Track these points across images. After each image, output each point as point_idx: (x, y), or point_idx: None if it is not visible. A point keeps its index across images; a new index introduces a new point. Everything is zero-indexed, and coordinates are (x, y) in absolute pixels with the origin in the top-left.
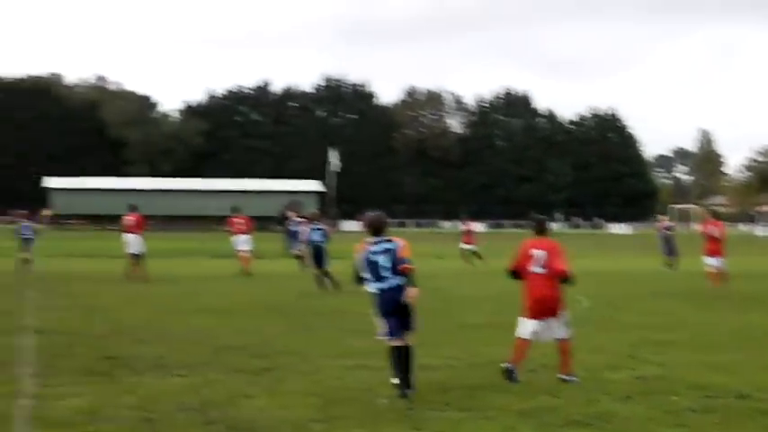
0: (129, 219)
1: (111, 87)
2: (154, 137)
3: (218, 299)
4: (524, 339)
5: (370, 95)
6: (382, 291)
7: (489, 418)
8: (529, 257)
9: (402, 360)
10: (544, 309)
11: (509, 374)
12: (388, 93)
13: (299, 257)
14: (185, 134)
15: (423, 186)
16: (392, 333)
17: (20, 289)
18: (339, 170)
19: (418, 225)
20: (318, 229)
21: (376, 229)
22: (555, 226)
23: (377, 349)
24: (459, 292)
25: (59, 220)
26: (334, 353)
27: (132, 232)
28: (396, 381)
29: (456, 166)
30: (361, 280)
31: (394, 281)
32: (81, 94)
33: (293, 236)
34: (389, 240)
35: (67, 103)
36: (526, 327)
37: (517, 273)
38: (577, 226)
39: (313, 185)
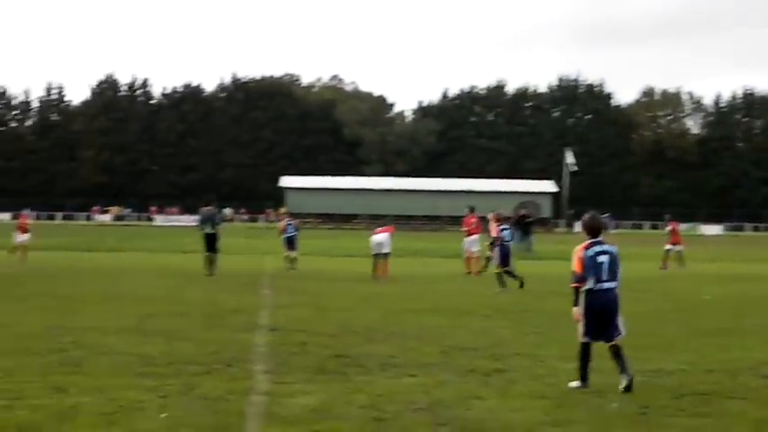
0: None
1: (347, 88)
2: (388, 137)
3: (449, 299)
4: None
5: (606, 96)
6: (599, 292)
7: (725, 425)
8: None
9: (615, 358)
10: None
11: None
12: (624, 93)
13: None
14: (419, 134)
15: (659, 188)
16: (592, 333)
17: (256, 287)
18: (576, 169)
19: (653, 227)
20: (506, 229)
21: (594, 231)
22: None
23: (605, 353)
24: (693, 295)
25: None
26: (566, 355)
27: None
28: (577, 383)
29: (694, 167)
30: (581, 279)
31: (611, 284)
32: (317, 94)
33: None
34: (610, 245)
35: (304, 103)
36: None
37: None
38: None
39: (547, 186)
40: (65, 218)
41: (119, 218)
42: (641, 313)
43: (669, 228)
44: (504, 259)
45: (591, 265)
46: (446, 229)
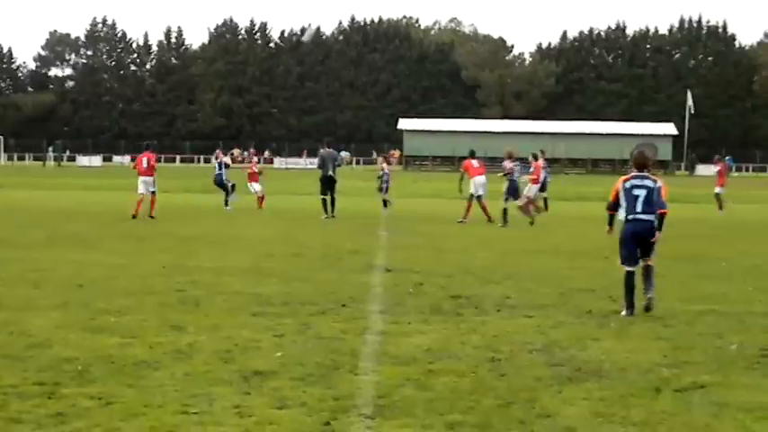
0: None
1: (466, 30)
2: (507, 79)
3: (565, 241)
4: None
5: (728, 37)
6: (633, 221)
7: None
8: None
9: (644, 277)
10: None
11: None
12: (747, 35)
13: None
14: (538, 77)
15: None
16: (629, 260)
17: (373, 229)
18: (693, 112)
19: None
20: (517, 166)
21: (640, 166)
22: None
23: (729, 294)
24: None
25: (413, 161)
26: (685, 297)
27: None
28: (625, 312)
29: None
30: (613, 207)
31: (645, 216)
32: (435, 36)
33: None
34: (652, 180)
35: (422, 46)
36: None
37: None
38: None
39: (666, 128)
40: (183, 161)
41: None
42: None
43: (717, 168)
44: (515, 193)
45: (626, 197)
46: (564, 172)
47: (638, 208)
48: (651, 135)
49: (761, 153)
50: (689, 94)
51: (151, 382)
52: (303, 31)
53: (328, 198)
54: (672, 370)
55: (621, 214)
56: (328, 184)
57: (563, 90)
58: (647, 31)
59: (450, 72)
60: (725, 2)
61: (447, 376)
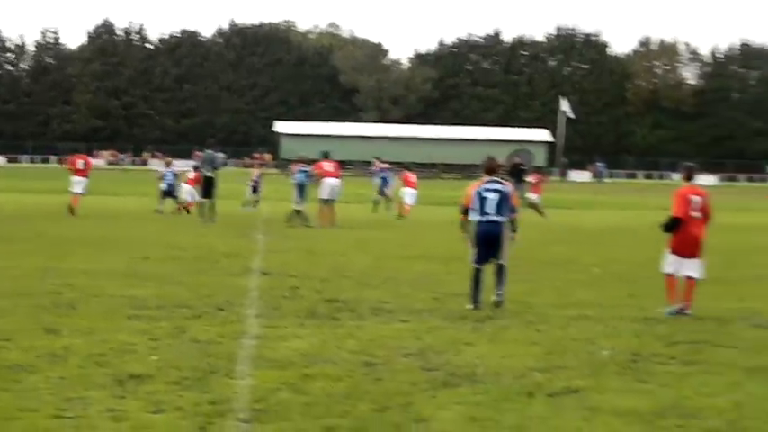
0: None
1: (344, 34)
2: (384, 84)
3: (440, 246)
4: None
5: (603, 45)
6: (484, 223)
7: (715, 373)
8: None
9: (496, 276)
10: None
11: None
12: (621, 43)
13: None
14: (415, 82)
15: (653, 138)
16: (481, 260)
17: (249, 232)
18: (572, 117)
19: (647, 177)
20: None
21: (489, 171)
22: None
23: (601, 300)
24: None
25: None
26: (558, 302)
27: None
28: (470, 306)
29: (689, 118)
30: (465, 211)
31: (496, 218)
32: (314, 40)
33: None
34: (501, 183)
35: (301, 49)
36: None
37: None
38: None
39: (541, 135)
40: (59, 162)
41: (112, 162)
42: (631, 261)
43: (533, 180)
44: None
45: (478, 201)
46: (441, 177)
47: (489, 210)
48: (526, 141)
49: (633, 160)
50: (565, 101)
51: (26, 385)
52: None
53: (206, 202)
54: (545, 374)
55: (475, 217)
56: (208, 187)
57: (440, 95)
58: (524, 38)
59: (329, 76)
60: (600, 11)
61: (323, 380)
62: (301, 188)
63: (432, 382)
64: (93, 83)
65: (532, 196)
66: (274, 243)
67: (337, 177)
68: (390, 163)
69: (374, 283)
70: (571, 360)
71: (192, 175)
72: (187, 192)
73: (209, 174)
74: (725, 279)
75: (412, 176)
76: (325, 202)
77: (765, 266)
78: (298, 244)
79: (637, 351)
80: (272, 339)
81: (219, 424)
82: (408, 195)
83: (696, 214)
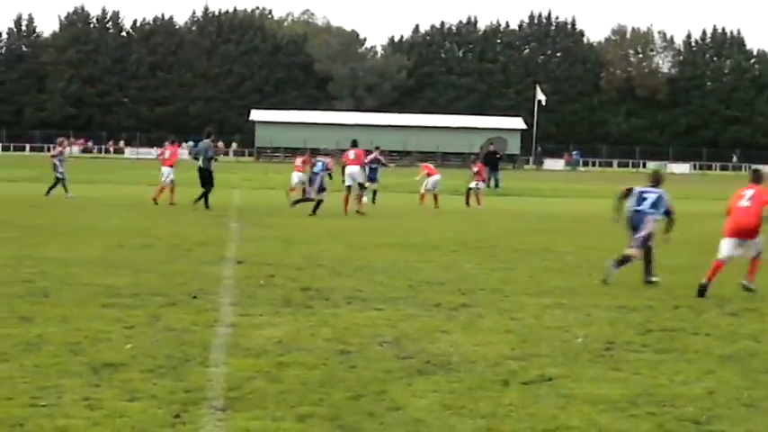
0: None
1: (319, 22)
2: (359, 72)
3: (416, 234)
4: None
5: (577, 33)
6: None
7: (689, 361)
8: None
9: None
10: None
11: (701, 290)
12: (595, 31)
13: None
14: (389, 70)
15: (627, 126)
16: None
17: (224, 221)
18: (543, 101)
19: (620, 165)
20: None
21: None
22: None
23: (575, 288)
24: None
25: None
26: (532, 291)
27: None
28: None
29: (663, 106)
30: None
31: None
32: (288, 28)
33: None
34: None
35: (275, 37)
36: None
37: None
38: None
39: (515, 123)
40: (32, 150)
41: (86, 150)
42: (605, 248)
43: (476, 169)
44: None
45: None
46: (416, 165)
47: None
48: (501, 129)
49: (607, 148)
50: (538, 88)
51: (0, 374)
52: None
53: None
54: (519, 363)
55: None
56: (200, 176)
57: (414, 83)
58: (498, 26)
59: (303, 64)
60: None
61: (297, 368)
62: (320, 179)
63: (406, 369)
64: (68, 70)
65: (472, 184)
66: (249, 232)
67: (358, 165)
68: (367, 152)
69: (349, 272)
70: (545, 348)
71: (167, 154)
72: (166, 174)
73: (200, 164)
74: (698, 267)
75: (431, 165)
76: (349, 189)
77: None
78: (272, 233)
79: (611, 339)
80: (246, 328)
81: (194, 412)
82: (431, 182)
83: (745, 203)
